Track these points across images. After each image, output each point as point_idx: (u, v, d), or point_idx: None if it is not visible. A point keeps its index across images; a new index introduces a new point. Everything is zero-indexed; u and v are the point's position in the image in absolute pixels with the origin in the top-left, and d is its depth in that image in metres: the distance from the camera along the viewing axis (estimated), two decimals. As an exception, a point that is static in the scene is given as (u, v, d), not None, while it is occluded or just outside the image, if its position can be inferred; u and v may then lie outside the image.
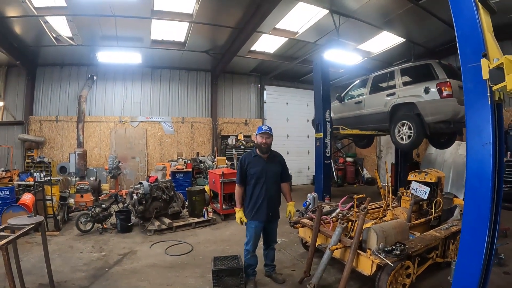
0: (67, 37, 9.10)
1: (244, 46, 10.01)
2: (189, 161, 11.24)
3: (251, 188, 4.30)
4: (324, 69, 9.03)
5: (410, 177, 6.01)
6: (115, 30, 9.17)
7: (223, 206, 8.00)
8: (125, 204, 7.30)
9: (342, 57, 10.00)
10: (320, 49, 10.02)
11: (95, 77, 11.85)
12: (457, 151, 10.43)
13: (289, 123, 14.71)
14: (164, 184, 7.30)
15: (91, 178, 10.74)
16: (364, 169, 15.22)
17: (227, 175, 7.87)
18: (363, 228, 3.95)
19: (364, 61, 11.72)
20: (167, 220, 7.08)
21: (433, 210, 5.37)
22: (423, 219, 5.23)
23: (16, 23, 8.61)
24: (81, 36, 9.13)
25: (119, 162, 10.80)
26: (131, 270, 5.03)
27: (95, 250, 5.92)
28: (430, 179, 5.62)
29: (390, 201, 5.63)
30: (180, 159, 11.42)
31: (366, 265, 3.80)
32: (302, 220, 5.08)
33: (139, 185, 7.17)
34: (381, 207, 5.77)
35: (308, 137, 15.03)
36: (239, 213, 4.35)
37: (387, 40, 10.40)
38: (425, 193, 5.35)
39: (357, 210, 5.04)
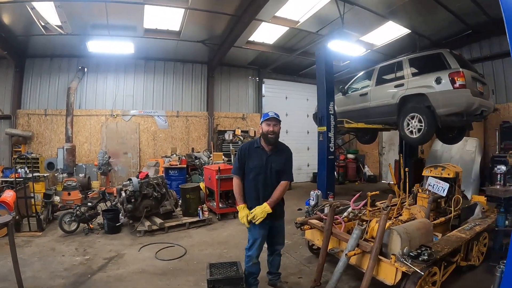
0: (56, 25, 8.54)
1: (242, 35, 9.46)
2: (183, 157, 10.70)
3: (250, 183, 3.66)
4: (327, 59, 8.57)
5: (425, 172, 5.58)
6: (106, 18, 8.63)
7: (220, 205, 7.41)
8: (113, 203, 6.73)
9: (345, 48, 9.53)
10: (323, 39, 9.54)
11: (86, 69, 11.27)
12: (464, 147, 10.02)
13: (288, 118, 14.08)
14: (155, 181, 6.70)
15: (80, 175, 10.16)
16: (366, 166, 14.76)
17: (224, 171, 7.31)
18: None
19: (367, 54, 11.27)
20: (158, 220, 6.50)
21: (452, 208, 4.86)
22: (443, 218, 4.73)
23: (2, 10, 8.02)
24: (71, 25, 8.53)
25: (109, 157, 10.23)
26: (116, 277, 4.47)
27: (78, 253, 5.37)
28: (448, 174, 5.18)
29: (407, 198, 5.13)
30: (174, 155, 10.88)
31: (389, 273, 3.24)
32: (310, 221, 4.52)
33: (128, 182, 6.58)
34: (395, 205, 5.24)
35: (308, 132, 14.61)
36: (243, 211, 3.59)
37: (391, 32, 10.00)
38: (444, 190, 4.89)
39: (370, 209, 4.55)
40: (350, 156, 14.54)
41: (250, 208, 3.61)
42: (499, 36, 9.34)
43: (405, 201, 5.16)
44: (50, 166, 10.46)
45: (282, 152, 3.78)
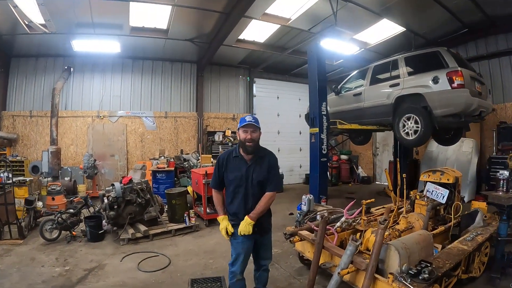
0: (39, 24, 8.15)
1: (232, 33, 9.16)
2: (172, 159, 10.37)
3: (230, 195, 3.33)
4: (320, 57, 8.25)
5: (423, 177, 5.31)
6: (91, 15, 8.34)
7: (207, 210, 7.07)
8: (96, 209, 6.39)
9: (338, 47, 9.50)
10: (315, 37, 9.26)
11: (72, 68, 10.90)
12: (460, 148, 9.84)
13: (280, 118, 13.91)
14: (139, 186, 6.36)
15: (66, 179, 9.77)
16: (360, 167, 14.52)
17: (211, 175, 6.97)
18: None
19: (361, 53, 11.07)
20: (142, 227, 6.17)
21: (452, 216, 4.60)
22: (442, 227, 4.44)
23: (-15, 10, 7.65)
24: (55, 23, 8.19)
25: (95, 160, 9.86)
26: (94, 292, 4.15)
27: (58, 264, 5.05)
28: (448, 179, 4.91)
29: (404, 206, 4.83)
30: (162, 157, 10.53)
31: (386, 293, 2.95)
32: (300, 232, 4.21)
33: (111, 188, 6.25)
34: (391, 211, 4.97)
35: (300, 133, 14.27)
36: (223, 222, 3.29)
37: (385, 30, 9.79)
38: (443, 196, 4.62)
39: (365, 218, 4.27)
40: (344, 157, 14.29)
41: (232, 222, 3.30)
42: (495, 34, 9.26)
43: (402, 208, 4.89)
44: (35, 169, 10.05)
45: (264, 160, 3.35)
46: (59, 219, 5.99)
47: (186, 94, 12.42)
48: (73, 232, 6.17)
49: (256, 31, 9.79)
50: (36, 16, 7.89)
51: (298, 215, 4.54)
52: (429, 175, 5.21)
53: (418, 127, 6.59)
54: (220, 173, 3.36)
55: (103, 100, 11.32)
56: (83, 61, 10.96)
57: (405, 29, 9.47)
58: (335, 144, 14.27)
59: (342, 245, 4.03)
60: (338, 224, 4.08)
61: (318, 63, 8.13)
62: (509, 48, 9.11)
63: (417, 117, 6.60)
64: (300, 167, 14.35)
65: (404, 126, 6.92)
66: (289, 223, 7.13)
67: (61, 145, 10.52)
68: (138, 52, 11.15)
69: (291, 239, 4.22)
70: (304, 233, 4.13)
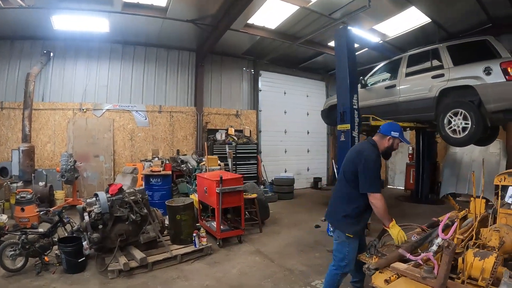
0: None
1: (242, 15, 7.87)
2: (167, 161, 8.99)
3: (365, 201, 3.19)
4: (350, 41, 7.00)
5: (497, 180, 4.21)
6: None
7: (221, 227, 5.68)
8: (74, 227, 4.92)
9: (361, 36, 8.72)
10: (335, 24, 8.38)
11: (51, 53, 9.35)
12: (487, 149, 9.25)
13: (287, 116, 12.70)
14: (132, 197, 4.91)
15: (40, 183, 8.17)
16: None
17: (228, 181, 5.61)
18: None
19: (377, 46, 10.04)
20: (138, 253, 4.68)
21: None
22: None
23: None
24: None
25: (75, 161, 8.32)
26: None
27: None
28: None
29: (490, 218, 3.69)
30: (156, 159, 9.18)
31: None
32: (395, 266, 2.82)
33: (94, 199, 4.77)
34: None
35: (308, 133, 13.28)
36: (396, 228, 3.11)
37: (408, 21, 9.01)
38: None
39: (460, 236, 3.37)
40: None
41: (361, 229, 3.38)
42: None
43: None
44: (4, 172, 8.51)
45: None
46: (24, 240, 4.51)
47: (183, 86, 11.03)
48: (46, 258, 4.69)
49: (269, 15, 8.58)
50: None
51: (376, 240, 3.24)
52: (504, 178, 4.16)
53: (467, 123, 5.89)
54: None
55: (87, 91, 9.81)
56: (66, 44, 9.50)
57: (430, 20, 8.74)
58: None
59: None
60: (434, 248, 2.85)
61: (348, 48, 6.89)
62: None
63: (466, 113, 5.90)
64: (308, 170, 13.29)
65: (450, 122, 6.19)
66: (322, 239, 6.13)
67: (36, 143, 9.01)
68: (130, 36, 9.72)
69: (379, 271, 2.88)
70: (400, 266, 2.77)
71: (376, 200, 3.07)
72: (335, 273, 3.31)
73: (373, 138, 3.39)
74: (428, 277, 2.50)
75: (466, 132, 5.94)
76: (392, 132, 3.27)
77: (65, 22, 8.22)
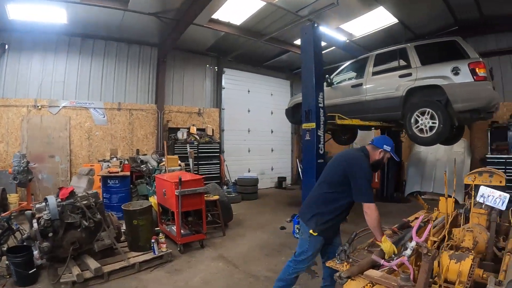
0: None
1: (207, 9, 7.51)
2: (126, 161, 8.43)
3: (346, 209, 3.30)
4: (316, 38, 6.90)
5: (468, 179, 4.19)
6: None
7: (182, 231, 5.31)
8: (24, 236, 4.34)
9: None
10: (301, 21, 8.20)
11: (6, 45, 8.46)
12: (451, 148, 9.47)
13: (250, 115, 12.41)
14: (85, 201, 4.42)
15: (-8, 187, 7.35)
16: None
17: (187, 183, 5.25)
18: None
19: (344, 45, 10.13)
20: (93, 262, 4.21)
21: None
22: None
23: None
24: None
25: (28, 162, 7.55)
26: None
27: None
28: (500, 181, 3.93)
29: (463, 218, 3.63)
30: (115, 159, 8.61)
31: None
32: (368, 273, 2.62)
33: (43, 204, 4.24)
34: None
35: (272, 132, 13.09)
36: (387, 243, 2.88)
37: (375, 21, 9.06)
38: (503, 202, 3.56)
39: (435, 239, 3.21)
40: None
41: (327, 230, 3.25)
42: (485, 34, 9.20)
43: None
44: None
45: None
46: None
47: (144, 83, 10.41)
48: (-6, 270, 4.11)
49: (235, 10, 8.27)
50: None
51: (346, 245, 3.02)
52: (475, 177, 4.17)
53: (434, 123, 6.01)
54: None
55: (42, 86, 8.95)
56: (22, 37, 8.64)
57: (397, 21, 8.90)
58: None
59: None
60: (408, 251, 2.66)
61: (315, 45, 6.78)
62: (498, 49, 9.14)
63: (433, 112, 6.00)
64: (272, 169, 13.09)
65: (417, 122, 6.28)
66: (287, 241, 5.97)
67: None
68: (89, 28, 9.01)
69: (350, 279, 2.66)
70: (374, 273, 2.56)
71: (370, 210, 3.02)
72: (289, 265, 3.34)
73: (366, 147, 3.36)
74: (406, 286, 2.31)
75: (433, 131, 6.03)
76: (384, 146, 3.28)
77: (21, 12, 7.57)
